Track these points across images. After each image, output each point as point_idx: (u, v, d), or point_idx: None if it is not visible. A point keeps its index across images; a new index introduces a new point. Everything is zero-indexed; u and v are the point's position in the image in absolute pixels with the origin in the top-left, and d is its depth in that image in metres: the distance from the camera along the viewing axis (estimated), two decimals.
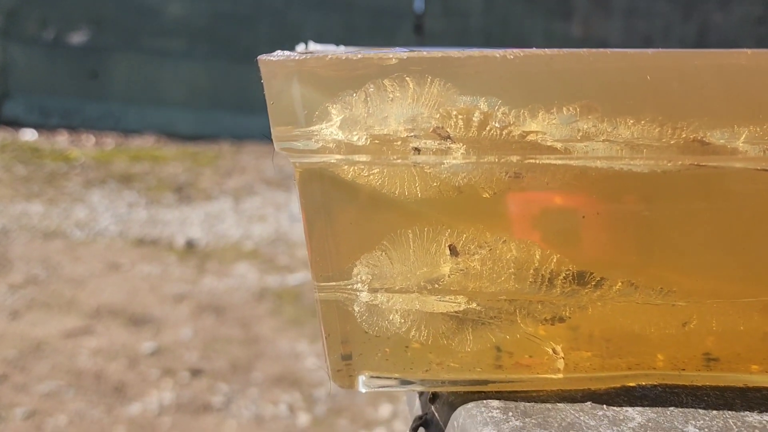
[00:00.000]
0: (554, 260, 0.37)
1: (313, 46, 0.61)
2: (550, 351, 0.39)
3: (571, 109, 0.35)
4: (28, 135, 4.63)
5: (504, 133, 0.36)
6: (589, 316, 0.39)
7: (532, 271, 0.38)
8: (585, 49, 0.33)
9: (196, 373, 1.96)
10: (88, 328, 2.16)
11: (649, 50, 0.33)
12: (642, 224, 0.38)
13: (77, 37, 5.06)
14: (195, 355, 2.05)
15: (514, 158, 0.36)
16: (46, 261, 2.65)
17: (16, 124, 4.78)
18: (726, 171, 0.37)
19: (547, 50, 0.33)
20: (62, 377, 1.89)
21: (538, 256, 0.37)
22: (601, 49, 0.33)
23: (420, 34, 5.52)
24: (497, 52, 0.33)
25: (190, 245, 2.92)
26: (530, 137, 0.36)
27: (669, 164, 0.36)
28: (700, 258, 0.38)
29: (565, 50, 0.34)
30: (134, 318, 2.25)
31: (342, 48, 0.55)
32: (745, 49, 0.33)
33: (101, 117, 4.93)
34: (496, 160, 0.36)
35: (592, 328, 0.39)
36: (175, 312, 2.32)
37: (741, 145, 0.36)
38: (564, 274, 0.38)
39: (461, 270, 0.38)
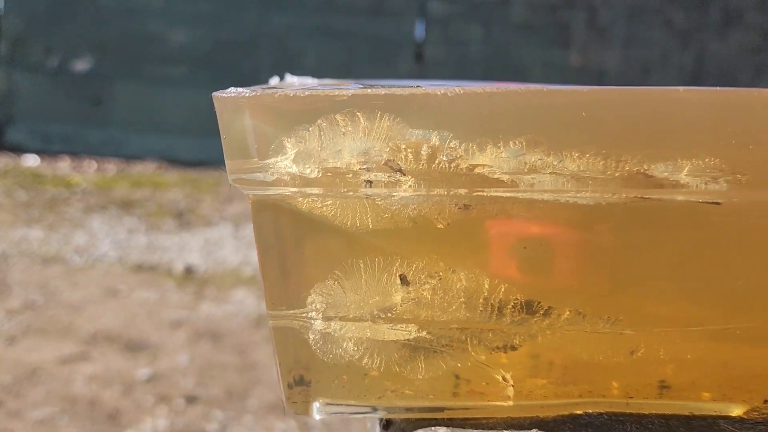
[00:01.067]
0: (502, 290, 0.38)
1: (289, 79, 0.62)
2: (500, 378, 0.40)
3: (517, 143, 0.36)
4: (31, 161, 4.66)
5: (452, 166, 0.37)
6: (539, 345, 0.40)
7: (481, 300, 0.39)
8: (523, 87, 0.34)
9: (191, 400, 1.96)
10: (84, 354, 2.16)
11: (585, 87, 0.34)
12: (588, 255, 0.39)
13: (80, 65, 5.11)
14: (191, 381, 2.05)
15: (463, 191, 0.37)
16: (45, 286, 2.67)
17: (18, 149, 4.82)
18: (669, 203, 0.38)
19: (486, 87, 0.35)
20: (57, 403, 1.89)
21: (486, 286, 0.38)
22: (539, 87, 0.34)
23: (420, 62, 5.57)
24: (439, 90, 0.34)
25: (189, 271, 2.93)
26: (478, 170, 0.37)
27: (614, 197, 0.37)
28: (646, 287, 0.39)
29: (504, 88, 0.35)
30: (130, 344, 2.26)
31: (314, 82, 0.56)
32: (678, 87, 0.35)
33: (103, 143, 4.97)
34: (446, 192, 0.37)
35: (544, 356, 0.40)
36: (172, 338, 2.33)
37: (683, 178, 0.37)
38: (513, 303, 0.39)
39: (413, 299, 0.39)
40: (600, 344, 0.40)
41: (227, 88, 0.40)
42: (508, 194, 0.37)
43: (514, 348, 0.40)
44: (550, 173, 0.37)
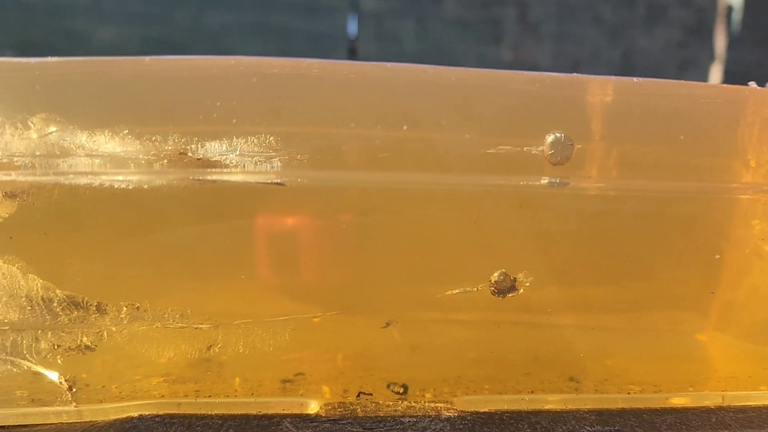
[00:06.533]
0: (39, 285, 0.35)
1: None
2: (59, 382, 0.37)
3: (33, 122, 0.33)
4: None
5: None
6: (117, 344, 0.36)
7: (24, 298, 0.35)
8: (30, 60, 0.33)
9: None
10: None
11: (53, 58, 0.33)
12: (148, 247, 0.36)
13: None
14: None
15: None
16: None
17: None
18: (229, 185, 0.35)
19: None
20: None
21: (22, 282, 0.35)
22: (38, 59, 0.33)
23: (354, 58, 5.58)
24: None
25: None
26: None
27: (166, 179, 0.34)
28: (216, 282, 0.37)
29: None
30: None
31: None
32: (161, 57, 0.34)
33: None
34: None
35: (121, 355, 0.37)
36: None
37: (235, 158, 0.34)
38: (57, 300, 0.35)
39: None
40: (176, 339, 0.36)
41: None
42: (45, 178, 0.34)
43: (89, 348, 0.36)
44: (85, 155, 0.33)
